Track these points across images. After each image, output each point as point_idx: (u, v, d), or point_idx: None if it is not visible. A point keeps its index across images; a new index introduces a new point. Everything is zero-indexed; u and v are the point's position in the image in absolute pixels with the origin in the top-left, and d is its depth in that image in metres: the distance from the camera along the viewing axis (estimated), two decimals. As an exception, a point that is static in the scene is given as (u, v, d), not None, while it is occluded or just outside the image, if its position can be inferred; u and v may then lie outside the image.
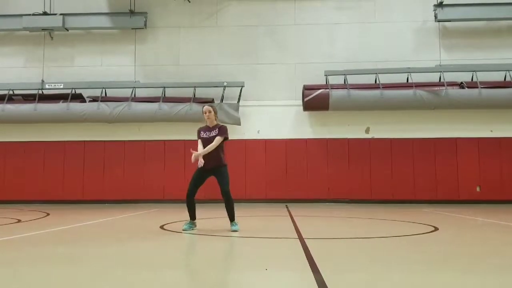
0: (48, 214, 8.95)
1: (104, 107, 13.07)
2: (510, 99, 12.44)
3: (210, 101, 12.96)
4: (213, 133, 5.76)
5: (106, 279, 3.05)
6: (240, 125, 12.94)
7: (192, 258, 4.28)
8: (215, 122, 5.88)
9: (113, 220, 7.84)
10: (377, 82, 12.88)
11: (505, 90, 12.47)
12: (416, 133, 13.22)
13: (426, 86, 12.66)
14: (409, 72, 12.87)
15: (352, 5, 13.98)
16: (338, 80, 13.08)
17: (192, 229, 5.76)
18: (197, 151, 5.68)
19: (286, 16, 14.09)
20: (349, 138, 13.37)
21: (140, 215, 8.91)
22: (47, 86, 13.70)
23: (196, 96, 13.19)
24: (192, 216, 5.80)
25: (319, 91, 12.86)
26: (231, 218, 5.75)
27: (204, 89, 13.26)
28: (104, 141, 13.74)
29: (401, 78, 13.00)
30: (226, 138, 5.77)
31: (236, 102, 13.16)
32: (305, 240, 4.82)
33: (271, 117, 13.56)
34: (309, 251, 4.05)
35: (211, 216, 8.07)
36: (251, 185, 12.95)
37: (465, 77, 12.92)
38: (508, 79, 12.81)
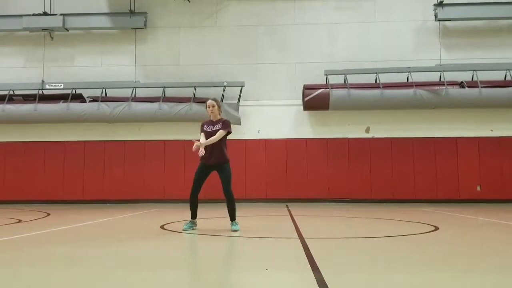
0: (48, 214, 8.96)
1: (104, 107, 13.07)
2: (510, 99, 12.43)
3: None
4: (216, 127, 5.74)
5: (106, 279, 3.05)
6: (240, 125, 12.94)
7: (192, 258, 4.28)
8: (218, 117, 5.87)
9: (113, 220, 7.84)
10: (377, 81, 12.87)
11: (505, 90, 12.46)
12: (416, 133, 13.21)
13: (426, 85, 12.66)
14: (409, 72, 12.87)
15: (352, 4, 13.97)
16: (338, 79, 13.08)
17: (192, 229, 5.76)
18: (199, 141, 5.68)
19: (286, 16, 14.08)
20: (349, 138, 13.37)
21: (140, 215, 8.91)
22: (47, 86, 13.71)
23: (196, 96, 13.18)
24: (193, 215, 5.79)
25: (319, 90, 12.86)
26: (232, 217, 5.76)
27: (204, 89, 13.26)
28: (104, 141, 13.74)
29: (401, 78, 12.99)
30: (229, 132, 5.76)
31: (236, 102, 13.16)
32: (305, 239, 4.82)
33: (271, 116, 13.56)
34: (310, 250, 4.05)
35: (211, 216, 8.06)
36: (251, 185, 12.95)
37: (465, 76, 12.92)
38: (508, 78, 12.81)
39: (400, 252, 4.25)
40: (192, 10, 14.25)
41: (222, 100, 13.07)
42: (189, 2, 14.16)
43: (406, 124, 13.25)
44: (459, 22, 13.61)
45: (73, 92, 13.56)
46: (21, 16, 13.91)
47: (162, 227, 6.30)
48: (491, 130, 13.10)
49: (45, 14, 14.05)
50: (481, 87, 12.41)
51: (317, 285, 2.74)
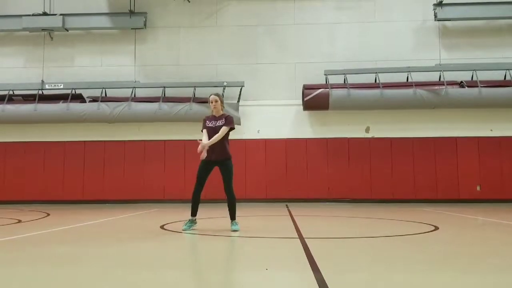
0: (48, 215, 8.95)
1: (104, 107, 13.07)
2: (510, 98, 12.44)
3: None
4: (219, 123, 5.73)
5: (106, 279, 3.05)
6: (240, 124, 12.93)
7: (192, 258, 4.28)
8: (221, 112, 5.85)
9: (113, 220, 7.84)
10: (377, 81, 12.87)
11: (505, 89, 12.47)
12: (416, 133, 13.22)
13: (426, 85, 12.66)
14: (409, 72, 12.87)
15: (352, 4, 13.97)
16: (338, 79, 13.08)
17: (192, 228, 5.75)
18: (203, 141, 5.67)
19: (286, 16, 14.09)
20: (349, 138, 13.37)
21: (140, 215, 8.91)
22: (47, 87, 13.71)
23: (196, 96, 13.18)
24: (194, 213, 5.77)
25: (319, 90, 12.86)
26: (232, 216, 5.76)
27: (204, 89, 13.23)
28: (104, 141, 13.75)
29: (401, 78, 13.00)
30: (232, 128, 5.76)
31: (236, 102, 13.16)
32: (305, 239, 4.82)
33: (271, 116, 13.56)
34: (310, 250, 4.05)
35: (212, 216, 8.06)
36: (251, 185, 12.95)
37: (465, 76, 12.92)
38: (508, 78, 12.81)
39: (400, 252, 4.25)
40: (192, 10, 14.25)
41: (222, 100, 13.04)
42: (189, 2, 14.16)
43: (406, 124, 13.26)
44: (459, 22, 13.61)
45: (73, 92, 13.56)
46: (20, 16, 13.91)
47: (162, 227, 6.30)
48: (491, 130, 13.11)
49: (44, 14, 14.05)
50: (481, 87, 12.42)
51: (317, 285, 2.74)
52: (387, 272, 3.31)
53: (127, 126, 13.66)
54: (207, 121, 5.84)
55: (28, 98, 13.54)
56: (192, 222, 5.80)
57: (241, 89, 13.22)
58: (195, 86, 13.27)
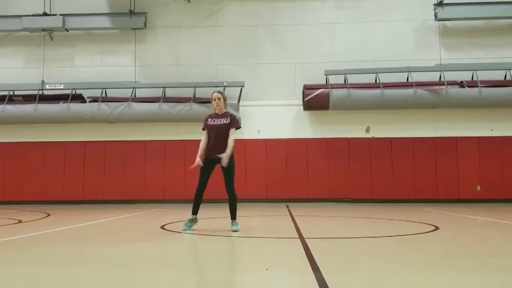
0: (48, 215, 8.95)
1: (104, 108, 13.07)
2: (510, 98, 12.44)
3: (210, 101, 12.93)
4: (223, 121, 5.72)
5: (107, 280, 3.05)
6: (240, 125, 12.91)
7: (192, 258, 4.28)
8: (224, 110, 5.85)
9: (114, 220, 7.84)
10: (377, 81, 12.87)
11: (505, 89, 12.46)
12: (417, 132, 13.21)
13: (426, 85, 12.66)
14: (409, 71, 12.87)
15: (352, 4, 13.97)
16: (338, 79, 13.07)
17: (192, 229, 5.74)
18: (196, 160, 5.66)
19: (286, 16, 14.08)
20: (349, 138, 13.36)
21: (140, 215, 8.91)
22: (47, 87, 13.70)
23: (196, 96, 13.18)
24: (195, 211, 5.75)
25: (319, 90, 12.86)
26: (233, 216, 5.75)
27: (204, 89, 13.24)
28: (105, 141, 13.74)
29: (401, 78, 12.99)
30: (238, 128, 5.80)
31: (236, 102, 13.16)
32: (306, 239, 4.82)
33: (271, 117, 13.55)
34: (310, 250, 4.05)
35: (212, 216, 8.07)
36: (252, 185, 12.94)
37: (466, 76, 12.92)
38: (508, 78, 12.81)
39: (400, 252, 4.25)
40: (192, 10, 14.25)
41: (222, 100, 13.05)
42: (189, 2, 14.16)
43: (406, 124, 13.25)
44: (459, 22, 13.61)
45: (73, 92, 13.55)
46: (21, 16, 13.90)
47: (162, 227, 6.30)
48: (491, 130, 13.10)
49: (45, 14, 14.04)
50: (481, 86, 12.41)
51: (318, 285, 2.74)
52: (387, 272, 3.31)
53: (127, 126, 13.65)
54: (209, 119, 5.82)
55: (28, 99, 13.54)
56: (193, 221, 5.77)
57: (241, 89, 13.21)
58: (195, 86, 13.27)
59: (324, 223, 7.40)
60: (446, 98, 12.43)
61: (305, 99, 12.98)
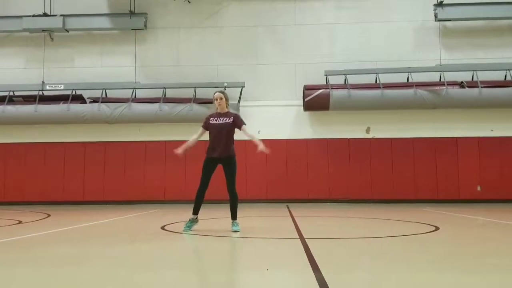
0: (49, 215, 8.96)
1: (105, 108, 13.08)
2: (510, 99, 12.43)
3: (210, 102, 12.94)
4: (225, 120, 5.73)
5: (107, 280, 3.05)
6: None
7: (193, 258, 4.28)
8: (226, 109, 5.87)
9: (114, 221, 7.84)
10: (378, 82, 12.87)
11: (505, 90, 12.46)
12: (417, 133, 13.21)
13: (426, 85, 12.66)
14: (409, 72, 12.87)
15: (352, 4, 13.97)
16: (338, 80, 13.07)
17: (193, 229, 5.74)
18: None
19: (286, 16, 14.08)
20: (349, 138, 13.36)
21: (141, 216, 8.91)
22: (47, 87, 13.70)
23: (196, 96, 13.19)
24: (196, 211, 5.74)
25: (320, 91, 12.86)
26: (233, 216, 5.75)
27: (205, 89, 13.25)
28: (105, 142, 13.74)
29: (401, 78, 12.99)
30: (245, 124, 5.85)
31: (236, 102, 13.16)
32: (306, 240, 4.82)
33: (271, 117, 13.54)
34: (310, 251, 4.05)
35: (212, 216, 8.07)
36: (252, 185, 12.92)
37: (466, 76, 12.92)
38: (508, 78, 12.81)
39: (400, 252, 4.25)
40: (192, 11, 14.25)
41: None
42: (189, 2, 14.17)
43: (407, 124, 13.25)
44: (459, 22, 13.61)
45: (73, 93, 13.56)
46: (21, 17, 13.90)
47: (163, 228, 6.30)
48: (492, 130, 13.09)
49: (45, 15, 14.05)
50: (481, 87, 12.41)
51: (318, 285, 2.74)
52: (387, 272, 3.31)
53: (127, 127, 13.65)
54: (211, 118, 5.83)
55: (28, 99, 13.54)
56: (193, 221, 5.77)
57: (241, 90, 13.21)
58: (195, 87, 13.27)
59: (324, 223, 7.41)
60: (446, 99, 12.43)
61: (305, 99, 12.98)
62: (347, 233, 5.91)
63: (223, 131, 5.66)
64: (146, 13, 14.11)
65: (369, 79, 13.09)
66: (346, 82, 12.90)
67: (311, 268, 3.27)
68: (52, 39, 14.42)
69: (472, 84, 12.57)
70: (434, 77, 12.95)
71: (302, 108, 13.43)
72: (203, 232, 5.62)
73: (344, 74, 13.00)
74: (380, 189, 13.03)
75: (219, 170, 5.73)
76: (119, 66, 14.13)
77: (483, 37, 13.58)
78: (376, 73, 12.95)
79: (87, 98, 13.67)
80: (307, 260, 3.58)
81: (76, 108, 13.17)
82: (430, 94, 12.46)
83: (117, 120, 13.14)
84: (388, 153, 13.21)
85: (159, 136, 13.64)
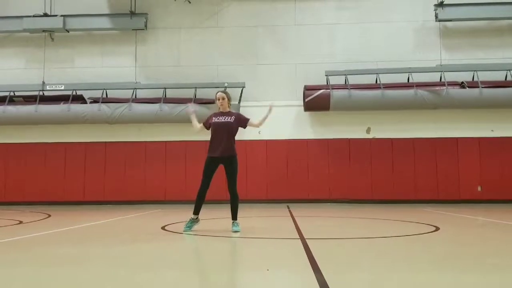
0: (49, 216, 8.96)
1: (105, 108, 13.08)
2: (511, 99, 12.43)
3: (211, 102, 12.95)
4: (227, 119, 5.76)
5: (109, 280, 3.05)
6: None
7: (193, 259, 4.28)
8: (228, 109, 5.91)
9: (115, 221, 7.84)
10: (378, 82, 12.87)
11: (506, 90, 12.46)
12: (417, 133, 13.21)
13: (427, 86, 12.66)
14: (410, 72, 12.87)
15: (352, 5, 13.97)
16: (339, 80, 13.08)
17: (193, 229, 5.73)
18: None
19: (286, 16, 14.09)
20: (350, 138, 13.36)
21: (141, 216, 8.91)
22: (47, 88, 13.71)
23: (197, 97, 13.19)
24: (197, 211, 5.74)
25: (320, 91, 12.86)
26: (234, 216, 5.75)
27: (205, 89, 13.26)
28: (105, 142, 13.75)
29: (402, 78, 12.99)
30: (248, 119, 5.92)
31: (237, 103, 13.16)
32: (306, 240, 4.82)
33: (272, 117, 13.47)
34: (311, 251, 4.05)
35: (213, 216, 8.07)
36: (252, 186, 12.93)
37: (466, 76, 12.91)
38: (509, 78, 12.80)
39: (401, 252, 4.25)
40: (192, 11, 14.26)
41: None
42: (190, 3, 14.17)
43: (407, 124, 13.25)
44: (460, 23, 13.61)
45: (74, 93, 13.56)
46: (21, 17, 13.91)
47: (163, 228, 6.30)
48: (492, 130, 13.09)
49: (45, 15, 14.05)
50: (482, 87, 12.41)
51: (318, 285, 2.74)
52: (388, 272, 3.31)
53: (128, 127, 13.66)
54: (214, 117, 5.85)
55: (29, 99, 13.55)
56: (193, 221, 5.76)
57: (242, 90, 13.21)
58: (196, 87, 13.27)
59: (325, 223, 7.41)
60: (447, 99, 12.43)
61: (306, 99, 12.98)
62: (347, 233, 5.91)
63: (224, 129, 5.69)
64: (146, 14, 14.12)
65: (370, 79, 13.09)
66: (347, 83, 12.90)
67: (311, 268, 3.27)
68: (52, 39, 14.43)
69: (473, 84, 12.56)
70: (434, 77, 12.95)
71: (302, 108, 13.43)
72: (203, 232, 5.62)
73: (345, 75, 13.00)
74: (381, 189, 13.02)
75: (220, 170, 5.73)
76: (120, 67, 14.14)
77: (483, 37, 13.58)
78: (377, 73, 12.95)
79: (88, 98, 13.67)
80: (308, 260, 3.58)
81: (76, 108, 13.18)
82: (431, 94, 12.46)
83: (118, 121, 13.15)
84: (388, 154, 13.21)
85: (160, 136, 13.65)
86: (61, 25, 13.79)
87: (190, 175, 12.78)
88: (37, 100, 13.32)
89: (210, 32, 14.17)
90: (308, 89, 13.06)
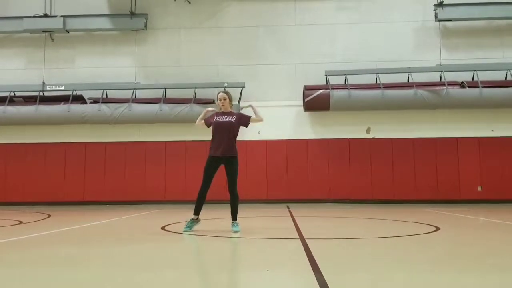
0: (49, 216, 8.96)
1: (105, 109, 13.08)
2: (511, 99, 12.43)
3: (211, 102, 12.98)
4: (228, 119, 5.76)
5: (108, 280, 3.05)
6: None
7: (193, 259, 4.28)
8: (229, 109, 5.92)
9: (115, 221, 7.84)
10: (378, 82, 12.87)
11: (506, 90, 12.46)
12: (417, 133, 13.21)
13: (427, 85, 12.66)
14: (409, 72, 12.87)
15: (352, 5, 13.98)
16: (338, 80, 13.08)
17: (193, 229, 5.73)
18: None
19: (286, 17, 14.09)
20: (349, 138, 13.36)
21: (141, 216, 8.91)
22: (48, 88, 13.72)
23: (196, 97, 13.19)
24: (197, 211, 5.74)
25: (320, 91, 12.86)
26: (234, 216, 5.75)
27: (205, 90, 13.27)
28: (105, 142, 13.75)
29: (401, 78, 12.99)
30: (250, 117, 5.91)
31: (237, 103, 13.15)
32: (306, 240, 4.82)
33: (271, 117, 13.44)
34: (311, 251, 4.05)
35: (213, 217, 8.07)
36: (252, 186, 12.93)
37: (466, 76, 12.92)
38: (509, 78, 12.81)
39: (401, 253, 4.25)
40: (192, 11, 14.26)
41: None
42: (189, 3, 14.17)
43: (407, 124, 13.25)
44: (460, 22, 13.61)
45: (74, 93, 13.57)
46: (21, 17, 13.91)
47: (163, 228, 6.30)
48: (492, 130, 13.09)
49: (45, 15, 14.06)
50: (482, 87, 12.41)
51: (319, 286, 2.74)
52: (388, 273, 3.31)
53: (128, 127, 13.66)
54: (215, 117, 5.87)
55: (29, 100, 13.55)
56: (194, 221, 5.76)
57: (241, 90, 13.21)
58: (195, 87, 13.28)
59: (325, 223, 7.40)
60: (447, 99, 12.43)
61: (306, 99, 12.98)
62: (347, 234, 5.91)
63: (226, 129, 5.70)
64: (146, 14, 14.12)
65: (370, 79, 13.09)
66: (346, 82, 12.90)
67: (311, 268, 3.27)
68: (52, 39, 14.43)
69: (473, 84, 12.56)
70: (434, 77, 12.96)
71: (302, 108, 13.43)
72: (203, 233, 5.61)
73: (344, 74, 13.00)
74: (381, 189, 13.02)
75: (220, 170, 5.73)
76: (120, 67, 14.14)
77: (483, 37, 13.58)
78: (377, 73, 12.95)
79: (88, 98, 13.68)
80: (307, 261, 3.58)
81: (76, 108, 13.18)
82: (431, 94, 12.46)
83: (118, 121, 13.15)
84: (388, 153, 13.21)
85: (160, 136, 13.66)
86: (61, 26, 13.79)
87: (190, 175, 12.79)
88: (37, 100, 13.33)
89: (210, 32, 14.17)
90: (308, 89, 13.06)
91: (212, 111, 6.06)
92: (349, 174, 13.16)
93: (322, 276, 3.01)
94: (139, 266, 3.62)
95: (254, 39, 14.06)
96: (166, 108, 13.02)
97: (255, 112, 5.98)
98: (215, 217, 8.09)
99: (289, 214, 8.86)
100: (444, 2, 13.14)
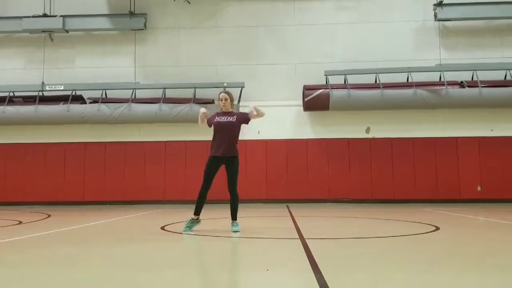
0: (49, 216, 8.96)
1: (105, 109, 13.08)
2: (510, 98, 12.44)
3: (210, 102, 12.99)
4: (229, 119, 5.76)
5: (108, 280, 3.05)
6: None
7: (193, 259, 4.28)
8: (230, 109, 5.92)
9: (114, 221, 7.84)
10: (378, 82, 12.88)
11: (505, 89, 12.47)
12: (417, 133, 13.22)
13: (426, 85, 12.66)
14: (409, 72, 12.88)
15: (352, 5, 13.98)
16: (338, 80, 13.08)
17: (193, 229, 5.73)
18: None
19: (286, 16, 14.09)
20: (349, 138, 13.37)
21: (141, 216, 8.91)
22: (47, 88, 13.71)
23: (196, 97, 13.19)
24: (198, 211, 5.73)
25: (320, 91, 12.87)
26: (233, 216, 5.74)
27: (205, 90, 13.27)
28: (105, 142, 13.75)
29: (401, 78, 13.00)
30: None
31: (236, 102, 13.13)
32: (306, 240, 4.82)
33: (271, 117, 13.41)
34: (310, 251, 4.04)
35: (213, 217, 8.07)
36: (252, 186, 12.92)
37: (466, 76, 12.92)
38: (508, 78, 12.82)
39: (401, 252, 4.25)
40: (192, 11, 14.26)
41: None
42: (189, 3, 14.17)
43: (407, 124, 13.26)
44: (459, 22, 13.61)
45: (73, 93, 13.56)
46: (21, 17, 13.91)
47: (162, 228, 6.30)
48: (492, 130, 13.10)
49: (45, 15, 14.05)
50: (481, 86, 12.42)
51: (318, 286, 2.74)
52: (388, 273, 3.31)
53: (127, 127, 13.66)
54: (216, 117, 5.86)
55: (28, 100, 13.55)
56: (194, 221, 5.76)
57: (241, 90, 13.21)
58: (195, 87, 13.28)
59: (325, 223, 7.40)
60: (446, 98, 12.43)
61: (305, 99, 12.98)
62: (347, 233, 5.91)
63: (227, 129, 5.69)
64: (146, 14, 14.12)
65: (369, 79, 13.10)
66: (346, 82, 12.91)
67: (311, 268, 3.27)
68: (52, 39, 14.43)
69: (472, 84, 12.57)
70: (434, 77, 12.96)
71: (302, 108, 13.43)
72: (203, 232, 5.61)
73: (344, 74, 13.00)
74: (380, 189, 13.03)
75: (220, 170, 5.72)
76: (119, 67, 14.14)
77: (483, 37, 13.59)
78: (376, 73, 12.96)
79: (87, 98, 13.68)
80: (307, 260, 3.58)
81: (76, 108, 13.18)
82: (430, 94, 12.47)
83: (117, 121, 13.15)
84: (388, 153, 13.21)
85: (159, 136, 13.65)
86: (60, 26, 13.79)
87: (189, 175, 12.78)
88: (37, 100, 13.33)
89: (209, 32, 14.16)
90: (307, 88, 13.06)
91: (206, 113, 5.97)
92: (348, 174, 13.16)
93: (322, 276, 3.01)
94: (139, 266, 3.61)
95: (253, 39, 14.06)
96: (165, 108, 13.02)
97: (257, 112, 5.86)
98: (215, 217, 8.09)
99: (289, 214, 8.86)
100: (443, 2, 13.15)
